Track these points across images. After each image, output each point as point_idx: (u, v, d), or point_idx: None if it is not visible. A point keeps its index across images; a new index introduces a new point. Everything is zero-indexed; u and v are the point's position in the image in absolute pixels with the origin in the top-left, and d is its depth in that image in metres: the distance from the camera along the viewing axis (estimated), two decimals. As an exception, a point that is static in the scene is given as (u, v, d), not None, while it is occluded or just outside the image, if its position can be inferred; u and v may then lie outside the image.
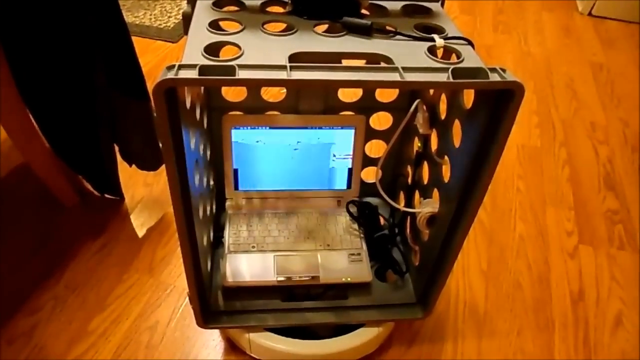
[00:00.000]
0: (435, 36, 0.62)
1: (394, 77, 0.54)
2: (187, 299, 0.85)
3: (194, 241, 0.71)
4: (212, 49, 0.59)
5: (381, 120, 0.94)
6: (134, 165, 1.13)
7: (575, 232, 1.20)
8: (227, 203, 0.94)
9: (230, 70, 0.52)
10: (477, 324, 1.00)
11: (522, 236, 1.18)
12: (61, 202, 1.15)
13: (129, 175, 1.20)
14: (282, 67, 0.54)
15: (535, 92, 1.65)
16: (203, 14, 0.67)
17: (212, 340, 0.93)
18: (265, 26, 0.64)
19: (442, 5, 0.72)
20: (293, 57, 0.58)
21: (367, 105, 0.91)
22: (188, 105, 0.66)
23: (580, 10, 2.16)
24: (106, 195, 1.18)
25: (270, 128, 0.87)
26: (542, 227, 1.20)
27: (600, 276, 1.11)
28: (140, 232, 1.12)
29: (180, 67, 0.53)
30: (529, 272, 1.10)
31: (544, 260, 1.13)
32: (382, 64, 0.59)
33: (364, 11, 0.69)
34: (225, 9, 0.69)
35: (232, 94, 0.89)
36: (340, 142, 0.90)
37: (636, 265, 1.13)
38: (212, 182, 0.92)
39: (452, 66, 0.55)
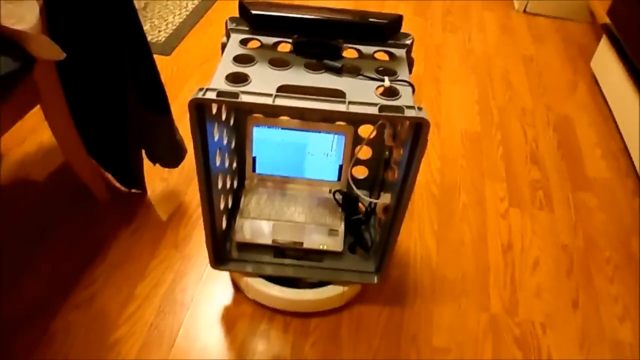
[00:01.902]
0: (386, 78, 0.89)
1: (342, 107, 0.81)
2: (208, 265, 1.15)
3: (212, 202, 1.02)
4: (233, 77, 0.89)
5: (367, 131, 1.19)
6: (150, 164, 1.40)
7: (506, 199, 1.52)
8: (246, 181, 1.25)
9: (236, 95, 0.82)
10: (430, 273, 1.31)
11: (465, 204, 1.50)
12: (96, 197, 1.41)
13: (146, 172, 1.46)
14: (270, 95, 0.83)
15: (477, 85, 1.97)
16: (232, 48, 0.96)
17: (230, 295, 1.23)
18: (271, 61, 0.92)
19: (409, 52, 0.98)
20: (281, 88, 0.86)
21: (356, 119, 1.17)
22: (214, 111, 0.96)
23: (516, 9, 2.48)
24: (132, 190, 1.45)
25: (282, 128, 1.16)
26: (481, 196, 1.53)
27: (524, 231, 1.43)
28: (164, 217, 1.39)
29: (207, 90, 0.83)
30: (470, 231, 1.42)
31: (482, 221, 1.45)
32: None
33: (347, 53, 0.96)
34: (250, 44, 0.98)
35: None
36: (335, 144, 1.18)
37: (551, 222, 1.46)
38: (235, 165, 1.23)
39: (383, 103, 0.82)
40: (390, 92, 0.88)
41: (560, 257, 1.38)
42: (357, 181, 1.27)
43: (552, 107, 1.88)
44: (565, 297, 1.28)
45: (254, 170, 1.23)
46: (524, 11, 2.45)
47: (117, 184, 1.46)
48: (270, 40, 0.98)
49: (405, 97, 0.87)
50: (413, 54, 1.02)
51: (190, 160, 1.38)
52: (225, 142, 1.08)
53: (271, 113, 1.17)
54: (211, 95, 0.82)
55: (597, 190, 1.58)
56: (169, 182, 1.49)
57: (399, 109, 0.82)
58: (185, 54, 2.00)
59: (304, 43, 0.94)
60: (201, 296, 1.22)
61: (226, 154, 1.10)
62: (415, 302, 1.24)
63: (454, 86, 1.96)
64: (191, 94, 0.83)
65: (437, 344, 1.17)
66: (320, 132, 1.17)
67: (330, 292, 1.17)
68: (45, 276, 1.24)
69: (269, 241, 1.16)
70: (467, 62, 2.10)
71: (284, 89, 0.86)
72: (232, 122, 1.14)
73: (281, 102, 0.83)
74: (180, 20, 2.17)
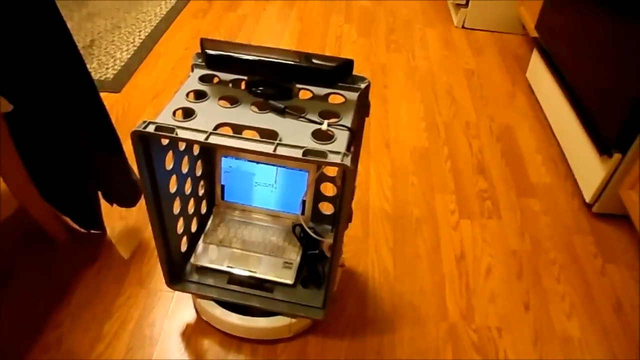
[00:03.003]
0: (326, 122, 0.91)
1: (270, 149, 0.84)
2: (174, 298, 1.18)
3: (163, 225, 1.06)
4: (181, 112, 0.93)
5: (331, 170, 1.25)
6: (105, 202, 1.43)
7: (456, 211, 1.60)
8: (214, 208, 1.30)
9: (172, 130, 0.87)
10: (389, 288, 1.37)
11: (418, 218, 1.57)
12: (54, 239, 1.42)
13: (105, 211, 1.48)
14: (205, 132, 0.87)
15: (422, 101, 2.06)
16: (189, 83, 1.00)
17: (198, 325, 1.25)
18: (222, 98, 0.97)
19: (364, 96, 1.01)
20: (219, 126, 0.90)
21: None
22: (166, 142, 0.99)
23: (455, 24, 2.59)
24: (91, 231, 1.47)
25: (249, 161, 1.21)
26: (432, 209, 1.60)
27: (475, 240, 1.51)
28: (126, 255, 1.41)
29: (149, 123, 0.88)
30: (424, 245, 1.49)
31: (435, 234, 1.52)
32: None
33: (302, 94, 0.99)
34: (214, 80, 1.03)
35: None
36: (298, 179, 1.22)
37: (499, 229, 1.55)
38: (202, 191, 1.26)
39: (310, 146, 0.85)
40: (327, 136, 0.89)
41: (510, 262, 1.45)
42: (323, 217, 1.32)
43: (494, 117, 1.98)
44: (517, 300, 1.36)
45: (222, 197, 1.28)
46: (463, 26, 2.57)
47: (75, 225, 1.47)
48: (228, 77, 1.03)
49: (340, 142, 0.88)
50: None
51: (148, 196, 1.41)
52: (186, 169, 1.12)
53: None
54: (150, 129, 0.87)
55: (540, 194, 1.67)
56: (128, 221, 1.51)
57: (323, 153, 0.84)
58: (135, 89, 2.02)
59: (256, 82, 0.99)
60: (169, 329, 1.25)
61: (188, 181, 1.15)
62: (376, 318, 1.30)
63: (400, 104, 2.04)
64: (142, 130, 0.88)
65: (401, 356, 1.22)
66: (285, 167, 1.20)
67: (277, 323, 1.20)
68: (12, 322, 1.24)
69: (224, 267, 1.20)
70: (412, 80, 2.18)
71: (222, 127, 0.91)
72: (196, 151, 1.18)
73: (214, 139, 0.86)
74: (128, 56, 2.19)
